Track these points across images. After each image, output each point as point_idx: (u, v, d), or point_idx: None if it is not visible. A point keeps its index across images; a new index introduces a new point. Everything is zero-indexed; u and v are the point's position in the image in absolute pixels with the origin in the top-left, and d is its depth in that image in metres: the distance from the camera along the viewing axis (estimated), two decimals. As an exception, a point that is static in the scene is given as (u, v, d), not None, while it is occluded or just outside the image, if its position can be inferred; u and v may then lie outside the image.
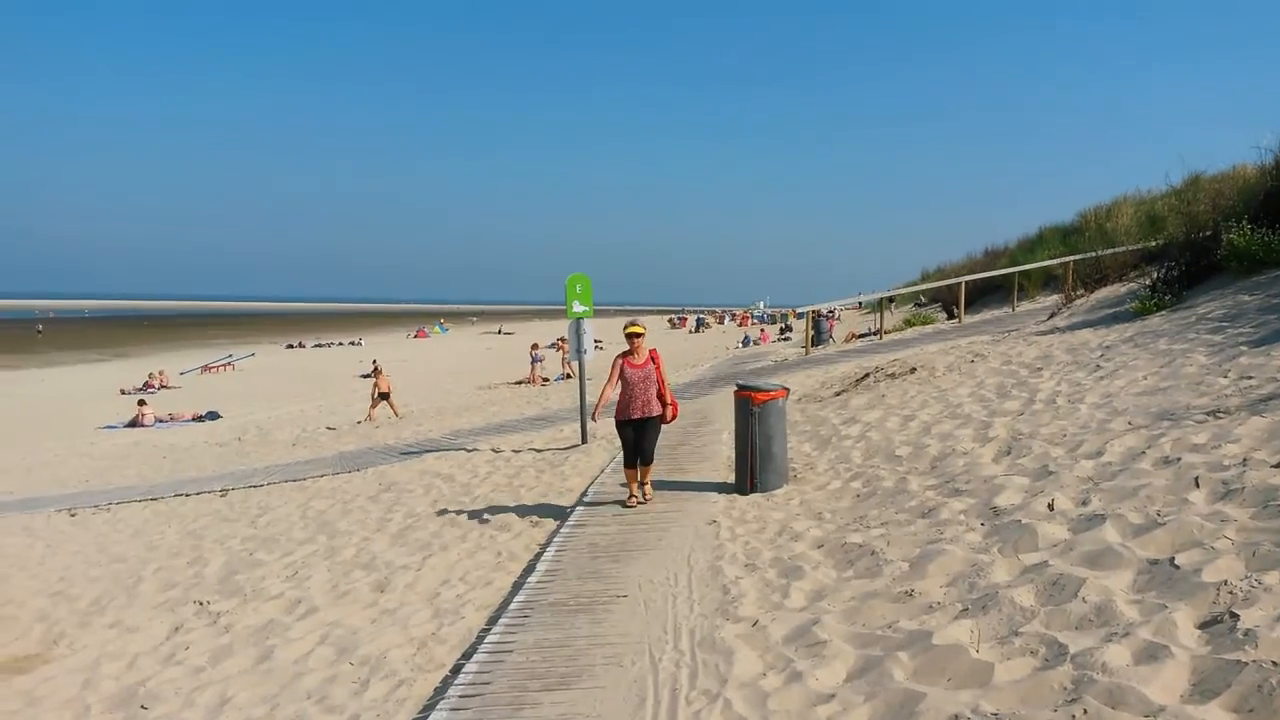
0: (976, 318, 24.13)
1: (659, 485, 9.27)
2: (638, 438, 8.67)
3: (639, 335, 8.65)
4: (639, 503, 8.72)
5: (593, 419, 9.22)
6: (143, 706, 5.69)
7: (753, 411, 8.75)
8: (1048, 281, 25.26)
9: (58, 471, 18.39)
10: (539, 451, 13.08)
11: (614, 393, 8.77)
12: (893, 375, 13.87)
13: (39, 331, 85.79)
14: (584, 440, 13.26)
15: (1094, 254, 20.34)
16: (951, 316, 26.15)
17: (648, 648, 5.18)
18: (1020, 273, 24.51)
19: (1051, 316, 17.73)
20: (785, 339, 39.46)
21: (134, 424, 25.55)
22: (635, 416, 8.64)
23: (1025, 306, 23.56)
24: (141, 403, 26.70)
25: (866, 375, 14.65)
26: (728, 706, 4.27)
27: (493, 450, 13.62)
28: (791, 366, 19.91)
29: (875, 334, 24.96)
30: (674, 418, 8.89)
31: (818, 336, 26.26)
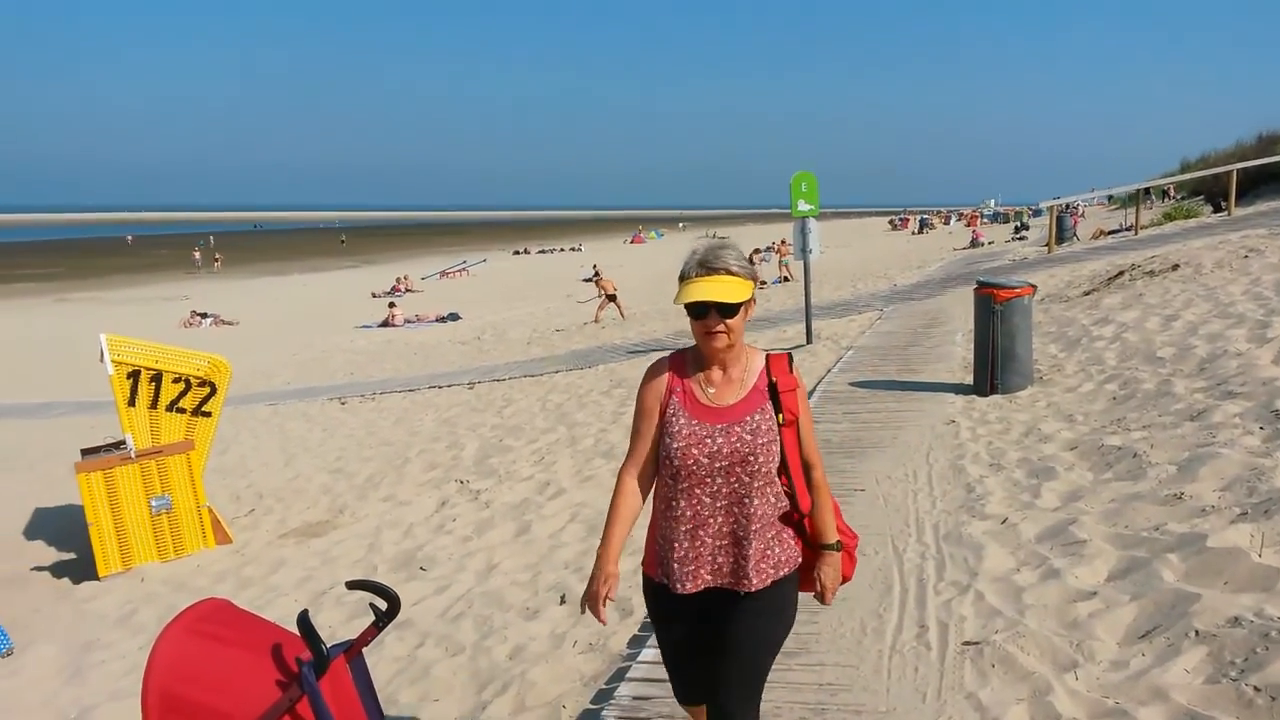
0: (1249, 210, 21.61)
1: (886, 386, 9.03)
2: (714, 653, 2.51)
3: (723, 310, 2.37)
4: None
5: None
6: (421, 568, 6.35)
7: (994, 309, 8.36)
8: (1340, 168, 22.20)
9: (325, 365, 20.43)
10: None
11: (635, 492, 2.56)
12: (1151, 273, 12.77)
13: (343, 241, 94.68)
14: (809, 340, 13.17)
15: (1404, 133, 17.61)
16: (1218, 209, 23.58)
17: (890, 539, 5.20)
18: (1306, 158, 21.67)
19: (1345, 206, 15.63)
20: (1020, 239, 36.93)
21: (386, 324, 27.81)
22: (698, 585, 2.49)
23: (1311, 197, 20.88)
24: (392, 305, 28.97)
25: (1120, 273, 13.57)
26: (980, 598, 4.24)
27: (718, 349, 13.78)
28: (1031, 265, 18.76)
29: (1129, 229, 22.97)
30: (850, 575, 2.79)
31: (1061, 234, 24.47)
